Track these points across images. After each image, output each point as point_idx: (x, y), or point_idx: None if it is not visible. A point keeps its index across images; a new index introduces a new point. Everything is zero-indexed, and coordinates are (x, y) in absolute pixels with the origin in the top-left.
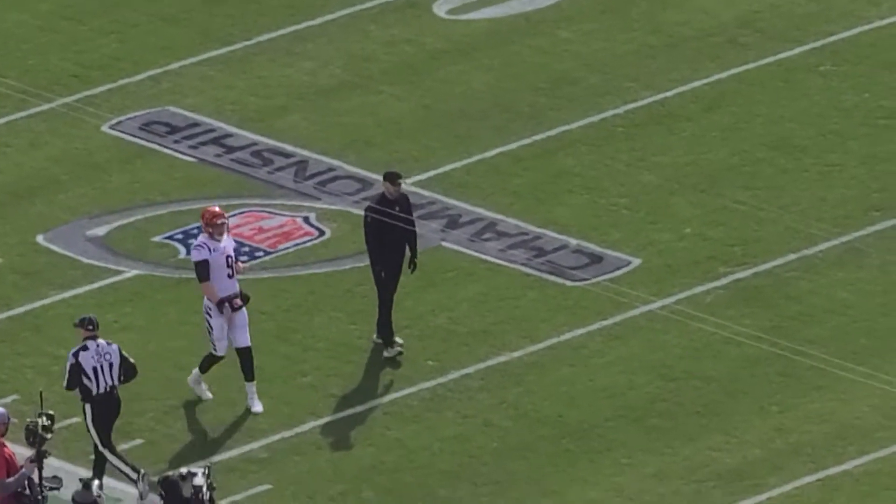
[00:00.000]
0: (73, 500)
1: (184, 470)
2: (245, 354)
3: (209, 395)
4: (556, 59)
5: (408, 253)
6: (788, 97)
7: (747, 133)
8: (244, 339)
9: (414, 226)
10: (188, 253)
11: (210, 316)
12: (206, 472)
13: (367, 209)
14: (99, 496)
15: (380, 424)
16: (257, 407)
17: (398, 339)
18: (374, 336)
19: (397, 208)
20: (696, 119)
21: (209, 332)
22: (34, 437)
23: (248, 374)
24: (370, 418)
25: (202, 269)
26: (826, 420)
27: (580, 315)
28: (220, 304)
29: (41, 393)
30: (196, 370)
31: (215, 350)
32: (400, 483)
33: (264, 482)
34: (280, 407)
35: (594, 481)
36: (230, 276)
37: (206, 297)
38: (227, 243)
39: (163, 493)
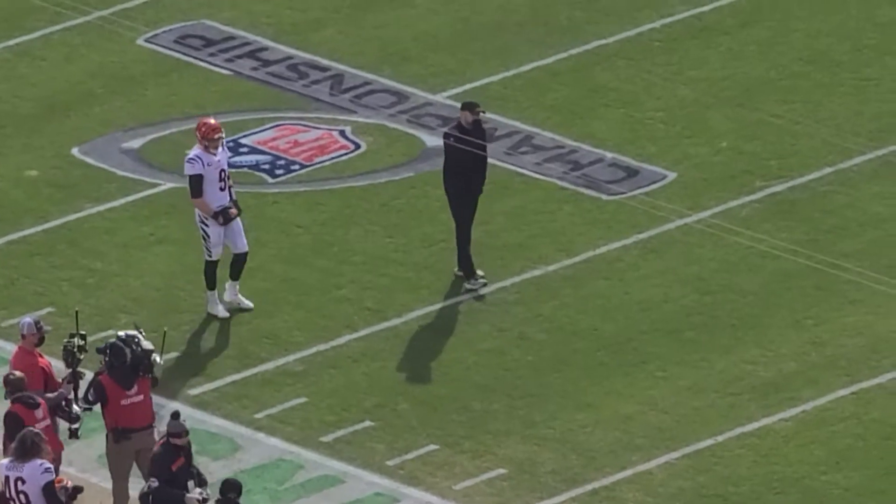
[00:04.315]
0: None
1: (122, 333)
2: (241, 259)
3: (226, 313)
4: None
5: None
6: (825, 11)
7: (784, 47)
8: (243, 245)
9: (486, 153)
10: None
11: (206, 225)
12: (141, 333)
13: (445, 136)
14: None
15: (415, 337)
16: (246, 303)
17: (479, 273)
18: (456, 269)
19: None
20: (732, 33)
21: (205, 240)
22: (71, 358)
23: (236, 275)
24: (405, 331)
25: (196, 183)
26: (861, 333)
27: (616, 228)
28: (215, 216)
29: (76, 312)
30: (212, 293)
31: (210, 256)
32: (435, 396)
33: (300, 395)
34: (316, 320)
35: (629, 394)
36: (222, 189)
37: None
38: (221, 157)
39: (108, 357)
